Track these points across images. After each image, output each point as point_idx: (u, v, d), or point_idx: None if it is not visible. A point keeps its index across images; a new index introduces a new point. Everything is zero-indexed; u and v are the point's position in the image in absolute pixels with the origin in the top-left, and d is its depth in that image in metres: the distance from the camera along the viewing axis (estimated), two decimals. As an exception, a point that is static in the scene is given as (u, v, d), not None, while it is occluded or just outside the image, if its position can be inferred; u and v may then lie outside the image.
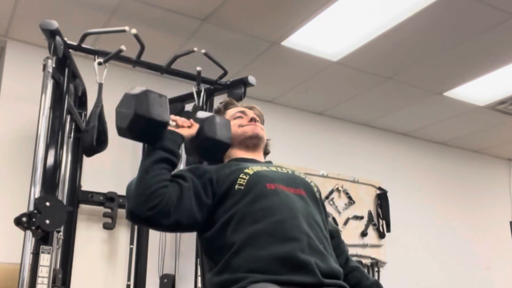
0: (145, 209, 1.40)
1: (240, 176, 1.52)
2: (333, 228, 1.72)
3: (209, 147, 1.65)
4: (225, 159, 1.73)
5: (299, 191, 1.57)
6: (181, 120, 1.61)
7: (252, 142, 1.72)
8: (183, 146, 1.64)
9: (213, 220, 1.50)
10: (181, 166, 3.14)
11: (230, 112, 1.79)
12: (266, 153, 1.83)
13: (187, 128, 1.60)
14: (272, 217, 1.44)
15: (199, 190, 1.49)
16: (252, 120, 1.74)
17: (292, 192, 1.54)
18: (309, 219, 1.49)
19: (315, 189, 1.65)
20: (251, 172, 1.54)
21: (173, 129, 1.56)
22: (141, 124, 1.48)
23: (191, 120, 1.64)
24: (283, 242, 1.39)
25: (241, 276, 1.35)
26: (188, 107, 3.20)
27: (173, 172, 1.52)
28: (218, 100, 3.18)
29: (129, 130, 1.49)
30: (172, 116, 1.59)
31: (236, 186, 1.50)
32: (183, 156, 2.99)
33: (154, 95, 1.50)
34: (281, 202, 1.48)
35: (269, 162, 1.76)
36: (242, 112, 1.77)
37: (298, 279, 1.34)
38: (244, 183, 1.51)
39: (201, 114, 1.67)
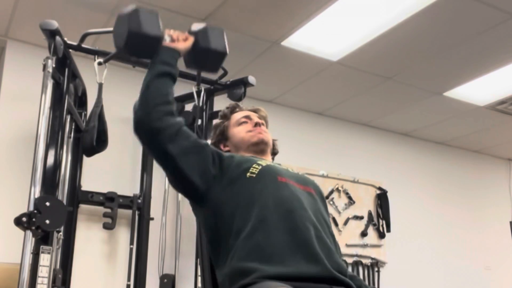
0: (153, 119, 1.44)
1: (253, 165, 1.55)
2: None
3: (206, 57, 1.69)
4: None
5: (309, 189, 1.60)
6: (176, 34, 1.64)
7: (259, 148, 1.73)
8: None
9: (219, 203, 1.50)
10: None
11: (236, 117, 1.80)
12: (274, 153, 1.85)
13: (182, 42, 1.63)
14: (282, 206, 1.45)
15: (209, 156, 1.52)
16: (256, 125, 1.75)
17: (302, 189, 1.57)
18: (317, 214, 1.52)
19: (323, 193, 1.69)
20: (264, 164, 1.57)
21: (169, 44, 1.60)
22: (136, 41, 1.55)
23: (186, 34, 1.67)
24: (294, 230, 1.41)
25: (251, 268, 1.34)
26: (188, 107, 3.20)
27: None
28: (218, 100, 3.21)
29: (126, 48, 1.57)
30: (167, 30, 1.64)
31: (248, 174, 1.52)
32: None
33: (145, 12, 1.58)
34: (292, 194, 1.50)
35: (278, 164, 1.77)
36: (247, 117, 1.78)
37: (309, 271, 1.34)
38: (256, 172, 1.52)
39: (195, 27, 1.70)
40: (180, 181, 1.52)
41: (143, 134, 1.48)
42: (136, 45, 1.57)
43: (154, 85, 1.50)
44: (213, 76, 3.02)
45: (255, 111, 1.83)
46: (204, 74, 2.99)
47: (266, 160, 1.66)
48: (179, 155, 1.45)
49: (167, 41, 1.61)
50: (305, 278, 1.33)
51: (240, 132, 1.74)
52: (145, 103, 1.46)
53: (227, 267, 1.41)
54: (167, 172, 1.53)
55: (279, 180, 1.53)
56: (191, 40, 1.65)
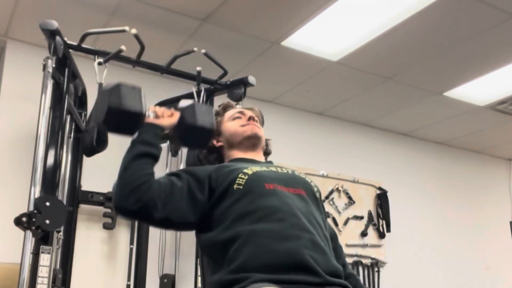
0: (130, 203, 1.42)
1: (239, 176, 1.52)
2: (332, 231, 1.71)
3: (192, 134, 1.65)
4: (225, 160, 1.73)
5: (299, 191, 1.57)
6: (161, 110, 1.60)
7: (251, 142, 1.72)
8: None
9: (211, 219, 1.49)
10: (181, 166, 3.15)
11: (229, 114, 1.80)
12: (267, 153, 1.83)
13: (168, 118, 1.60)
14: (272, 216, 1.43)
15: (193, 188, 1.50)
16: (250, 119, 1.74)
17: (291, 192, 1.54)
18: (310, 217, 1.49)
19: (315, 189, 1.65)
20: (250, 172, 1.54)
21: (152, 120, 1.57)
22: (116, 117, 1.51)
23: (172, 110, 1.64)
24: (284, 240, 1.39)
25: (242, 276, 1.34)
26: (188, 107, 3.20)
27: (171, 171, 1.55)
28: (218, 100, 3.20)
29: (105, 123, 1.53)
30: (151, 107, 1.60)
31: (235, 186, 1.50)
32: (183, 155, 2.99)
33: (126, 87, 1.53)
34: (281, 202, 1.48)
35: (270, 162, 1.77)
36: (241, 112, 1.78)
37: (301, 278, 1.34)
38: (243, 183, 1.50)
39: (182, 103, 1.68)
40: (185, 228, 1.59)
41: (126, 216, 1.51)
42: (117, 121, 1.52)
43: (132, 167, 1.47)
44: (213, 76, 3.02)
45: (248, 109, 1.83)
46: (204, 75, 2.98)
47: (254, 165, 1.62)
48: (171, 215, 1.45)
49: (150, 117, 1.57)
50: (297, 282, 1.33)
51: (233, 126, 1.74)
52: (123, 187, 1.45)
53: (217, 276, 1.41)
54: (169, 229, 1.55)
55: (266, 188, 1.50)
56: (176, 116, 1.62)
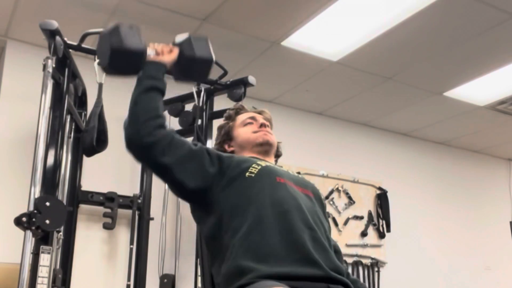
0: (143, 135, 1.44)
1: (252, 165, 1.55)
2: (335, 243, 1.71)
3: (192, 66, 1.69)
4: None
5: (307, 192, 1.60)
6: (160, 47, 1.64)
7: (264, 148, 1.73)
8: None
9: (218, 202, 1.50)
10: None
11: (241, 118, 1.80)
12: (277, 156, 1.85)
13: (167, 54, 1.64)
14: (279, 207, 1.45)
15: (204, 159, 1.52)
16: (262, 126, 1.75)
17: (300, 191, 1.57)
18: (314, 216, 1.51)
19: (322, 197, 1.69)
20: (263, 164, 1.57)
21: (154, 58, 1.60)
22: (120, 57, 1.55)
23: (170, 46, 1.67)
24: (290, 231, 1.41)
25: (246, 267, 1.34)
26: (188, 107, 3.20)
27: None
28: (218, 100, 3.21)
29: (111, 66, 1.57)
30: (151, 44, 1.63)
31: (247, 174, 1.52)
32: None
33: (125, 28, 1.57)
34: (289, 195, 1.50)
35: (279, 167, 1.77)
36: (252, 118, 1.79)
37: (305, 271, 1.34)
38: (255, 172, 1.53)
39: (178, 38, 1.70)
40: (180, 190, 1.55)
41: (136, 150, 1.49)
42: (120, 62, 1.57)
43: (142, 100, 1.50)
44: (213, 76, 3.02)
45: (259, 112, 1.83)
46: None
47: (267, 161, 1.65)
48: (175, 166, 1.47)
49: (151, 55, 1.60)
50: (301, 278, 1.33)
51: (245, 132, 1.75)
52: (135, 119, 1.47)
53: (224, 267, 1.42)
54: (166, 182, 1.56)
55: (277, 180, 1.53)
56: (176, 51, 1.65)
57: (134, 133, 1.45)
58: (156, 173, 1.53)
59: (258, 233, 1.39)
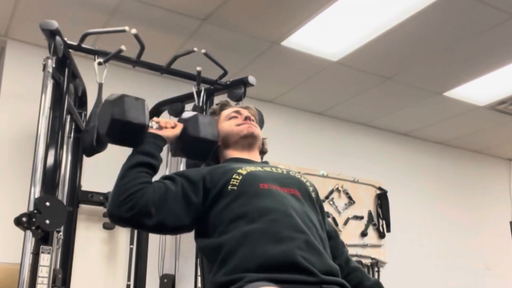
0: (123, 211, 1.43)
1: (233, 176, 1.51)
2: (332, 228, 1.71)
3: (194, 146, 1.66)
4: (220, 160, 1.73)
5: (293, 191, 1.56)
6: (164, 121, 1.62)
7: (248, 141, 1.71)
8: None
9: (207, 222, 1.49)
10: (181, 167, 3.15)
11: (225, 113, 1.79)
12: (263, 152, 1.82)
13: (170, 129, 1.62)
14: (266, 217, 1.42)
15: (188, 191, 1.50)
16: (246, 118, 1.73)
17: (286, 192, 1.53)
18: (304, 218, 1.48)
19: (311, 189, 1.63)
20: (244, 172, 1.53)
21: (155, 131, 1.58)
22: (119, 128, 1.52)
23: (175, 121, 1.65)
24: (279, 241, 1.38)
25: (238, 277, 1.33)
26: (188, 107, 3.20)
27: (165, 175, 1.55)
28: (218, 100, 3.20)
29: (108, 135, 1.54)
30: (155, 118, 1.62)
31: (229, 187, 1.49)
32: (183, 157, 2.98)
33: (130, 99, 1.54)
34: (275, 202, 1.47)
35: (266, 163, 1.76)
36: (237, 112, 1.78)
37: (296, 278, 1.33)
38: (237, 184, 1.49)
39: (185, 115, 1.69)
40: (181, 231, 1.59)
41: (120, 224, 1.52)
42: (119, 133, 1.54)
43: (129, 175, 1.48)
44: (213, 76, 3.02)
45: (245, 108, 1.82)
46: (204, 75, 2.99)
47: (249, 165, 1.62)
48: (166, 219, 1.46)
49: (153, 128, 1.59)
50: (293, 282, 1.32)
51: (229, 125, 1.73)
52: (117, 195, 1.45)
53: (216, 279, 1.40)
54: (166, 234, 1.57)
55: (261, 188, 1.49)
56: (179, 127, 1.64)
57: (115, 210, 1.45)
58: (152, 232, 1.56)
59: (246, 248, 1.37)
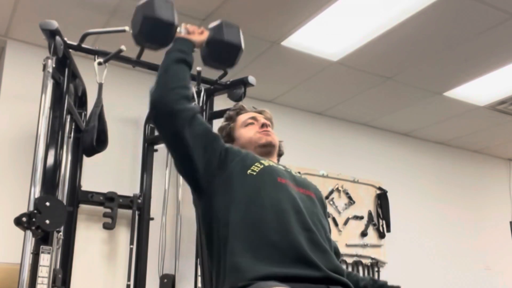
0: (173, 99, 1.46)
1: (255, 164, 1.55)
2: (336, 246, 1.71)
3: (220, 50, 1.74)
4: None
5: (309, 192, 1.60)
6: (192, 27, 1.69)
7: (266, 150, 1.73)
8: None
9: (218, 196, 1.50)
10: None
11: (242, 118, 1.80)
12: (279, 155, 1.85)
13: (198, 35, 1.68)
14: (278, 207, 1.45)
15: (218, 145, 1.55)
16: (263, 125, 1.76)
17: (301, 192, 1.57)
18: (314, 218, 1.50)
19: (324, 199, 1.69)
20: (266, 164, 1.57)
21: (184, 35, 1.66)
22: (151, 26, 1.62)
23: (202, 28, 1.71)
24: (287, 231, 1.40)
25: (245, 266, 1.33)
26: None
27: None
28: (218, 100, 3.21)
29: (141, 33, 1.64)
30: (183, 24, 1.69)
31: (249, 171, 1.52)
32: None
33: (159, 0, 1.64)
34: (288, 196, 1.50)
35: (283, 166, 1.77)
36: (253, 118, 1.79)
37: (303, 273, 1.34)
38: (257, 170, 1.53)
39: (211, 24, 1.76)
40: (186, 166, 1.53)
41: (159, 116, 1.49)
42: (151, 30, 1.63)
43: (172, 69, 1.53)
44: (213, 76, 3.02)
45: (260, 112, 1.83)
46: (204, 75, 2.99)
47: (270, 161, 1.65)
48: (191, 140, 1.47)
49: (182, 33, 1.66)
50: (301, 279, 1.33)
51: (247, 133, 1.75)
52: (163, 85, 1.48)
53: (222, 264, 1.41)
54: (176, 155, 1.53)
55: (278, 181, 1.53)
56: (206, 34, 1.70)
57: (161, 98, 1.47)
58: (171, 142, 1.51)
59: (256, 231, 1.39)
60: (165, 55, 1.58)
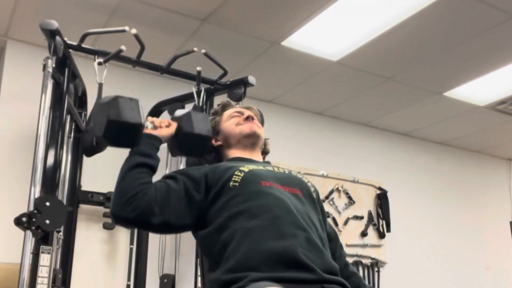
0: (127, 212, 1.44)
1: (235, 173, 1.52)
2: (332, 230, 1.71)
3: (189, 142, 1.67)
4: (223, 160, 1.73)
5: (295, 190, 1.57)
6: (158, 121, 1.63)
7: (250, 140, 1.72)
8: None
9: (208, 218, 1.49)
10: (181, 166, 3.15)
11: (227, 113, 1.80)
12: (265, 152, 1.83)
13: (165, 128, 1.63)
14: (268, 213, 1.43)
15: (190, 189, 1.50)
16: (248, 118, 1.74)
17: (287, 191, 1.54)
18: (305, 217, 1.49)
19: (312, 189, 1.64)
20: (246, 170, 1.54)
21: (150, 131, 1.59)
22: (116, 129, 1.53)
23: (169, 120, 1.66)
24: (280, 238, 1.39)
25: (241, 276, 1.33)
26: (188, 107, 3.20)
27: (166, 174, 1.57)
28: (218, 100, 3.20)
29: (105, 137, 1.55)
30: (149, 118, 1.64)
31: (231, 183, 1.50)
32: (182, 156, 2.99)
33: (124, 100, 1.55)
34: (276, 199, 1.47)
35: (267, 163, 1.76)
36: (239, 111, 1.78)
37: (298, 276, 1.33)
38: (238, 180, 1.50)
39: (178, 112, 1.70)
40: (185, 229, 1.58)
41: (124, 225, 1.56)
42: (116, 133, 1.54)
43: (130, 177, 1.49)
44: (213, 76, 3.02)
45: (247, 108, 1.82)
46: (204, 75, 2.99)
47: (251, 163, 1.62)
48: (169, 218, 1.47)
49: (149, 128, 1.60)
50: (295, 281, 1.32)
51: (231, 124, 1.74)
52: (118, 198, 1.47)
53: (217, 277, 1.40)
54: (175, 232, 1.57)
55: (263, 185, 1.50)
56: (174, 126, 1.65)
57: (116, 212, 1.47)
58: (157, 232, 1.57)
59: (248, 244, 1.37)
60: (127, 156, 1.55)
